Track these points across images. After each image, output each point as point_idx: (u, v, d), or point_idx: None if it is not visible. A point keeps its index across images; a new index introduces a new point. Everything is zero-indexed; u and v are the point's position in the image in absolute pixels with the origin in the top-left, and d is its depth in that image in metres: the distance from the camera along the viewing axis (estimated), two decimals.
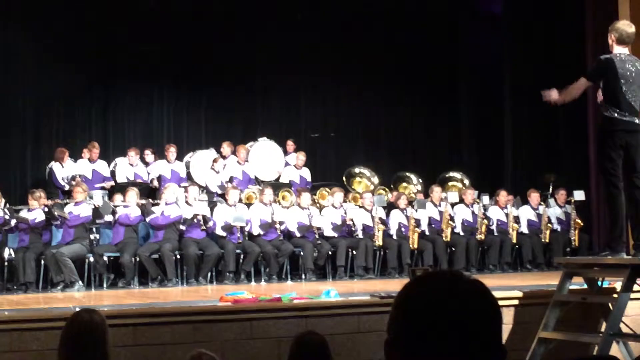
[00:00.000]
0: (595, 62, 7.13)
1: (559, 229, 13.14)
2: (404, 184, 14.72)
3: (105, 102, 15.12)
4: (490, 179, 15.34)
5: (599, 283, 7.22)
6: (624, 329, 6.82)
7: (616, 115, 6.72)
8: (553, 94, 7.07)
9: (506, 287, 8.30)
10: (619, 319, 6.52)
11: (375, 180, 14.54)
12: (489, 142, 16.35)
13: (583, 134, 13.06)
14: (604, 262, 6.91)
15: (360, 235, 12.24)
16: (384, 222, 12.30)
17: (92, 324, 3.90)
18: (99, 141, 13.66)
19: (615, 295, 6.79)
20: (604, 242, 7.33)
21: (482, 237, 12.65)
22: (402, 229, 12.39)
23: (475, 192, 13.32)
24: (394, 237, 12.35)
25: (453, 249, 12.49)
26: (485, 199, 13.20)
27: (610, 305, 6.85)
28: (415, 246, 12.19)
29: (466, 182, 14.77)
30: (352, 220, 12.25)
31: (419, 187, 14.60)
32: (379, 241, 12.06)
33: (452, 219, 12.70)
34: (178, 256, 11.24)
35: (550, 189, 13.83)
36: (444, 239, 12.45)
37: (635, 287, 6.69)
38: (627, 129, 6.73)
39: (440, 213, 12.77)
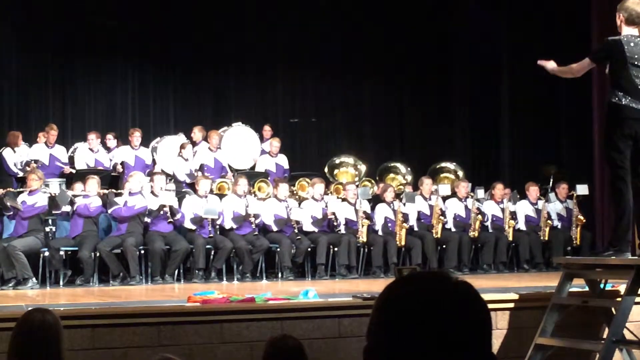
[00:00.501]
0: (601, 44, 7.15)
1: (559, 226, 13.19)
2: (392, 175, 14.72)
3: (63, 80, 15.03)
4: (486, 172, 15.41)
5: (602, 285, 7.25)
6: (628, 336, 6.86)
7: (625, 102, 6.73)
8: (550, 65, 7.13)
9: (501, 289, 8.35)
10: (622, 325, 6.55)
11: (362, 167, 14.52)
12: (485, 134, 16.41)
13: (587, 122, 13.11)
14: (607, 262, 6.94)
15: (343, 231, 12.24)
16: (369, 217, 12.30)
17: (45, 324, 3.88)
18: (56, 124, 13.56)
19: (618, 299, 6.82)
20: (608, 241, 7.34)
21: (476, 234, 12.68)
22: (389, 225, 12.40)
23: (469, 184, 13.35)
24: (380, 233, 12.36)
25: (444, 246, 12.52)
26: (480, 192, 13.22)
27: (613, 309, 6.88)
28: (403, 243, 12.20)
29: (460, 173, 14.79)
30: (333, 214, 12.24)
31: (408, 178, 14.61)
32: (362, 237, 12.07)
33: (443, 214, 12.72)
34: (142, 251, 11.21)
35: (551, 183, 13.89)
36: (434, 235, 12.46)
37: None
38: (636, 117, 6.75)
39: (431, 207, 12.78)
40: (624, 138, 6.73)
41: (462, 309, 1.67)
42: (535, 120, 15.48)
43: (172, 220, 11.42)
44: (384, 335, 1.70)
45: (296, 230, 11.92)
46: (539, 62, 7.22)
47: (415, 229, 12.65)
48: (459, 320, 1.66)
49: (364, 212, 12.22)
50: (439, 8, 16.43)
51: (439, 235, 12.48)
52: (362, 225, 12.09)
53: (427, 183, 13.10)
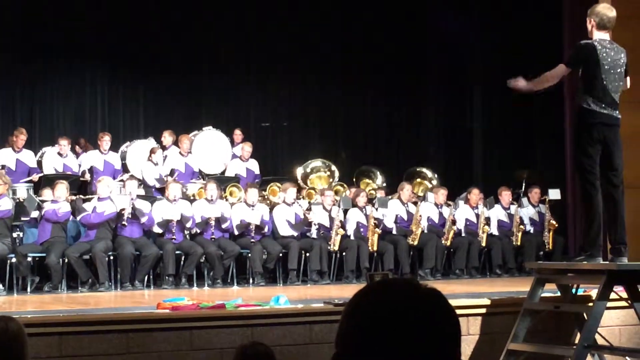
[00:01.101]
0: (574, 48, 7.19)
1: (531, 231, 13.26)
2: (366, 180, 14.67)
3: (30, 83, 14.91)
4: (459, 177, 15.43)
5: (573, 290, 7.30)
6: (600, 341, 6.91)
7: (595, 107, 6.78)
8: (519, 82, 7.11)
9: (473, 294, 8.38)
10: (594, 330, 6.60)
11: (334, 168, 14.43)
12: (458, 139, 16.44)
13: (559, 127, 13.18)
14: (578, 267, 6.99)
15: (314, 236, 12.23)
16: (344, 226, 12.29)
17: (8, 333, 3.83)
18: (23, 127, 13.43)
19: (590, 304, 6.87)
20: (579, 246, 7.40)
21: (448, 243, 12.67)
22: (361, 230, 12.40)
23: (445, 191, 13.33)
24: (352, 237, 12.35)
25: (418, 251, 12.52)
26: (461, 203, 13.29)
27: (585, 314, 6.94)
28: (375, 248, 12.21)
29: (435, 181, 14.80)
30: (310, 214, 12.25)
31: (379, 184, 14.59)
32: (335, 246, 12.04)
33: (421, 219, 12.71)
34: (111, 257, 11.14)
35: (523, 187, 13.94)
36: (411, 241, 12.44)
37: (613, 296, 6.77)
38: (606, 122, 6.80)
39: (409, 213, 12.77)
40: (593, 143, 6.78)
41: (430, 316, 1.67)
42: (507, 124, 15.54)
43: (124, 223, 11.29)
44: (353, 342, 1.70)
45: (252, 233, 11.82)
46: (509, 84, 7.22)
47: (394, 232, 12.65)
48: (428, 327, 1.66)
49: (340, 222, 12.21)
50: (414, 13, 16.44)
51: (416, 242, 12.46)
52: (337, 234, 12.08)
53: (407, 189, 13.10)
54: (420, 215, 12.66)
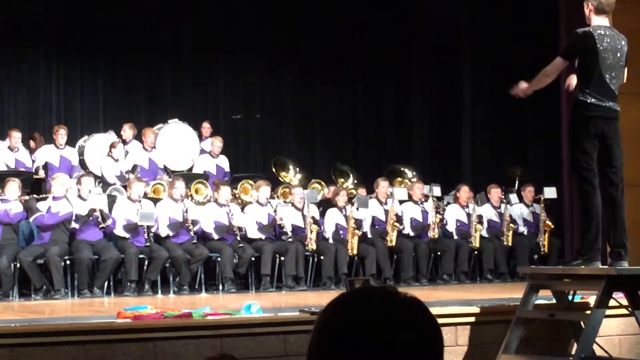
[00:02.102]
0: (569, 37, 7.21)
1: (525, 232, 13.27)
2: (341, 179, 14.64)
3: None
4: (446, 175, 15.49)
5: (570, 297, 7.34)
6: (598, 351, 6.96)
7: (592, 99, 6.80)
8: (521, 86, 7.18)
9: (461, 302, 8.41)
10: (592, 340, 6.64)
11: (296, 176, 14.40)
12: (445, 135, 16.48)
13: (555, 121, 13.23)
14: (575, 272, 7.02)
15: (291, 238, 12.22)
16: (317, 222, 12.28)
17: None
18: None
19: (588, 312, 6.92)
20: (577, 249, 7.43)
21: (436, 235, 12.67)
22: (340, 232, 12.41)
23: (424, 186, 13.36)
24: (330, 240, 12.35)
25: (399, 255, 12.54)
26: (437, 189, 13.26)
27: (582, 323, 6.97)
28: (355, 252, 12.22)
29: (414, 177, 14.81)
30: (281, 219, 12.23)
31: (349, 185, 14.58)
32: (312, 245, 12.04)
33: (399, 219, 12.69)
34: (68, 262, 11.10)
35: (516, 185, 13.97)
36: (388, 242, 12.45)
37: (612, 303, 6.82)
38: (604, 116, 6.82)
39: (386, 212, 12.78)
40: (590, 138, 6.80)
41: (410, 327, 1.67)
42: (498, 119, 15.58)
43: (103, 225, 11.30)
44: (326, 355, 1.70)
45: (238, 238, 11.88)
46: (511, 92, 7.29)
47: (369, 235, 12.66)
48: (407, 339, 1.66)
49: (312, 218, 12.20)
50: (396, 4, 16.47)
51: (393, 243, 12.47)
52: (311, 232, 12.08)
53: (383, 185, 13.08)
54: (396, 214, 12.65)
